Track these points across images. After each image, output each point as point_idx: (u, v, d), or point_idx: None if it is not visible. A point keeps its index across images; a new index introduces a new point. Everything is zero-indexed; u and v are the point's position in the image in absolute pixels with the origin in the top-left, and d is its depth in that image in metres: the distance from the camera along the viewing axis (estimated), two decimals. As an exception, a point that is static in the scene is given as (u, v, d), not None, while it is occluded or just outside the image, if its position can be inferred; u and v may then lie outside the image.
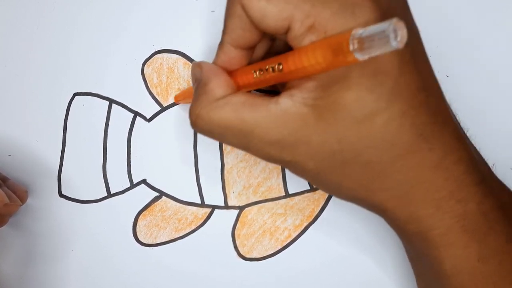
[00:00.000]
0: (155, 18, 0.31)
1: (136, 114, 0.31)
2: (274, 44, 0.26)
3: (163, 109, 0.31)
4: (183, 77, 0.31)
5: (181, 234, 0.31)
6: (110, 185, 0.31)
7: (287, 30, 0.21)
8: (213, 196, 0.31)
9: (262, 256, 0.31)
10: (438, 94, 0.23)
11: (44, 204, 0.31)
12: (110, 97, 0.31)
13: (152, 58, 0.31)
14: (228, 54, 0.24)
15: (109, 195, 0.31)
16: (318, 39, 0.20)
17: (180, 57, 0.31)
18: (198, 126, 0.24)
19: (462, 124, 0.25)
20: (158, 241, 0.31)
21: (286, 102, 0.22)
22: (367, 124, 0.21)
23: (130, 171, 0.31)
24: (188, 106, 0.27)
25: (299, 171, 0.24)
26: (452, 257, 0.23)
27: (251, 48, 0.24)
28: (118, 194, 0.31)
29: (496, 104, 0.30)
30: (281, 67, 0.21)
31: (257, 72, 0.23)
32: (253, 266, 0.31)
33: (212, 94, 0.23)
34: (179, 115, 0.31)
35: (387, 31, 0.16)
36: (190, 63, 0.31)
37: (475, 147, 0.26)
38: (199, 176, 0.31)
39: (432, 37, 0.30)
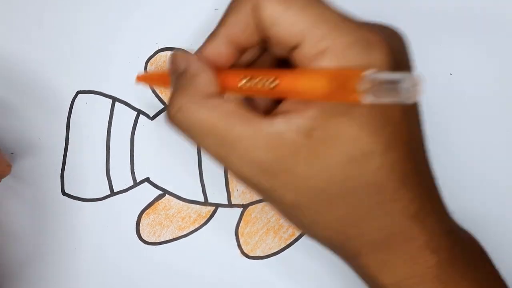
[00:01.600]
0: (158, 16, 0.31)
1: (140, 112, 0.31)
2: (261, 55, 0.24)
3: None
4: (186, 75, 0.31)
5: (184, 233, 0.31)
6: (113, 183, 0.31)
7: (295, 46, 0.20)
8: (217, 194, 0.31)
9: (265, 254, 0.31)
10: (422, 145, 0.23)
11: (47, 202, 0.31)
12: (113, 95, 0.31)
13: (155, 56, 0.31)
14: (217, 47, 0.22)
15: (112, 193, 0.31)
16: (328, 66, 0.19)
17: (184, 55, 0.31)
18: (177, 119, 0.22)
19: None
20: (162, 240, 0.31)
21: (281, 125, 0.20)
22: (361, 165, 0.21)
23: (134, 169, 0.31)
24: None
25: (273, 201, 0.22)
26: None
27: (242, 50, 0.22)
28: (121, 193, 0.31)
29: (496, 104, 0.30)
30: (275, 83, 0.20)
31: (246, 80, 0.21)
32: (257, 264, 0.31)
33: (201, 89, 0.21)
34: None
35: (405, 83, 0.16)
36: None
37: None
38: (202, 174, 0.31)
39: (435, 34, 0.30)
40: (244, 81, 0.21)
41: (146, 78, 0.28)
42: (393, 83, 0.16)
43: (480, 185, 0.30)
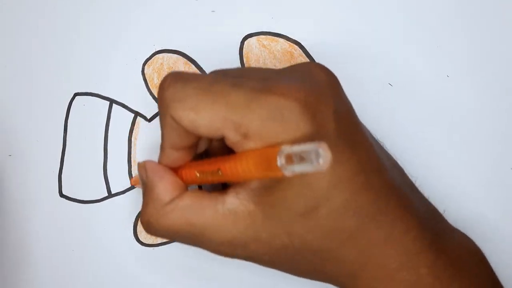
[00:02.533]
0: (156, 18, 0.31)
1: (137, 114, 0.31)
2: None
3: (164, 109, 0.31)
4: (183, 77, 0.31)
5: (181, 234, 0.31)
6: (110, 185, 0.31)
7: (222, 137, 0.22)
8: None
9: (263, 256, 0.31)
10: (380, 168, 0.24)
11: (45, 204, 0.31)
12: (111, 97, 0.31)
13: (152, 58, 0.31)
14: (170, 156, 0.25)
15: (110, 195, 0.31)
16: (255, 146, 0.21)
17: (181, 57, 0.31)
18: (150, 232, 0.25)
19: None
20: (159, 241, 0.31)
21: (232, 202, 0.23)
22: (312, 216, 0.22)
23: (131, 171, 0.31)
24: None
25: (256, 262, 0.25)
26: None
27: (192, 146, 0.25)
28: (119, 194, 0.31)
29: (496, 104, 0.30)
30: (219, 172, 0.22)
31: (199, 174, 0.24)
32: (255, 266, 0.31)
33: (158, 201, 0.24)
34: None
35: (310, 155, 0.17)
36: (190, 63, 0.31)
37: (424, 198, 0.26)
38: (199, 176, 0.31)
39: (432, 36, 0.30)
40: (198, 174, 0.24)
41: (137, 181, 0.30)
42: (305, 155, 0.17)
43: (478, 186, 0.30)
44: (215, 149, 0.27)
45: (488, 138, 0.30)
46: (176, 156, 0.25)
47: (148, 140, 0.31)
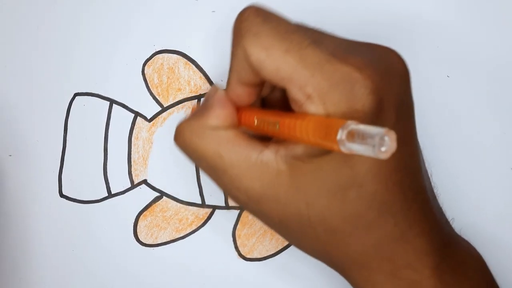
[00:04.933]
0: (156, 18, 0.31)
1: (137, 114, 0.31)
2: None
3: (164, 109, 0.31)
4: (183, 77, 0.31)
5: (181, 235, 0.31)
6: (110, 185, 0.31)
7: (284, 88, 0.21)
8: (214, 196, 0.31)
9: (263, 256, 0.31)
10: (415, 171, 0.24)
11: (45, 204, 0.31)
12: (111, 97, 0.31)
13: (152, 58, 0.31)
14: (235, 91, 0.24)
15: (110, 195, 0.31)
16: (316, 111, 0.20)
17: (181, 57, 0.31)
18: (177, 141, 0.24)
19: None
20: (159, 242, 0.31)
21: (268, 156, 0.22)
22: (339, 196, 0.22)
23: (131, 172, 0.31)
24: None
25: (262, 220, 0.24)
26: None
27: (258, 86, 0.24)
28: (119, 195, 0.31)
29: (496, 104, 0.30)
30: (277, 126, 0.21)
31: (257, 121, 0.23)
32: (254, 266, 0.31)
33: (205, 120, 0.23)
34: (179, 115, 0.31)
35: (374, 140, 0.16)
36: (190, 63, 0.31)
37: (439, 207, 0.26)
38: (199, 176, 0.31)
39: (432, 37, 0.30)
40: (256, 121, 0.23)
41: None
42: (368, 137, 0.17)
43: (478, 188, 0.30)
44: (274, 99, 0.26)
45: (488, 138, 0.30)
46: (240, 92, 0.24)
47: (148, 140, 0.31)
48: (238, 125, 0.24)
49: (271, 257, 0.31)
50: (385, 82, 0.21)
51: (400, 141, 0.22)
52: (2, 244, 0.31)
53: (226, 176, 0.23)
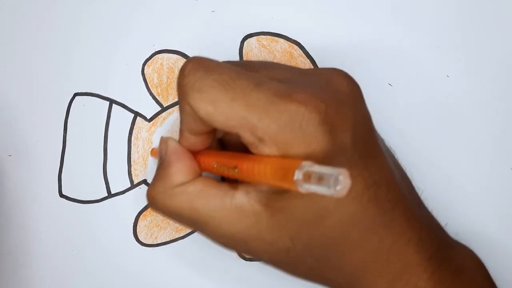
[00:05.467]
0: (155, 18, 0.31)
1: (137, 114, 0.31)
2: None
3: (164, 109, 0.31)
4: (183, 77, 0.31)
5: (181, 234, 0.31)
6: (110, 185, 0.31)
7: (238, 135, 0.22)
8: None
9: (262, 256, 0.31)
10: (389, 182, 0.24)
11: (45, 204, 0.31)
12: (111, 97, 0.31)
13: (152, 58, 0.31)
14: (188, 140, 0.25)
15: (110, 195, 0.31)
16: (270, 153, 0.21)
17: (181, 57, 0.31)
18: (153, 208, 0.25)
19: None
20: (159, 241, 0.31)
21: (241, 199, 0.22)
22: (318, 226, 0.22)
23: (131, 171, 0.31)
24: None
25: (257, 258, 0.25)
26: None
27: (211, 132, 0.24)
28: (119, 194, 0.31)
29: (496, 104, 0.30)
30: (236, 170, 0.22)
31: (216, 165, 0.23)
32: (254, 266, 0.31)
33: (170, 180, 0.24)
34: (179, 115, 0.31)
35: (329, 180, 0.17)
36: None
37: (427, 211, 0.26)
38: (199, 176, 0.31)
39: (432, 37, 0.30)
40: (215, 165, 0.24)
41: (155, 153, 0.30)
42: (324, 177, 0.17)
43: (478, 188, 0.30)
44: (230, 139, 0.26)
45: (488, 138, 0.30)
46: (194, 141, 0.24)
47: (148, 140, 0.31)
48: (199, 171, 0.24)
49: (271, 257, 0.31)
50: (333, 108, 0.21)
51: (363, 158, 0.22)
52: (2, 244, 0.31)
53: (209, 227, 0.23)
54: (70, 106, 0.32)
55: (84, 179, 0.31)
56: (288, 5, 0.31)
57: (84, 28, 0.32)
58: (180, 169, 0.24)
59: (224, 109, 0.21)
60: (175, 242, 0.31)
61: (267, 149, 0.21)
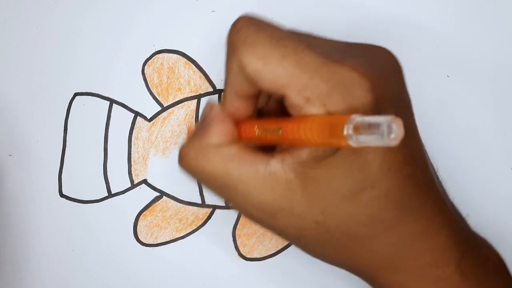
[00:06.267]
0: (156, 18, 0.31)
1: (137, 114, 0.31)
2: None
3: (164, 109, 0.31)
4: (183, 77, 0.31)
5: (181, 234, 0.31)
6: (110, 185, 0.31)
7: (283, 96, 0.21)
8: (214, 196, 0.31)
9: (263, 256, 0.31)
10: (424, 163, 0.24)
11: (45, 204, 0.31)
12: (111, 97, 0.31)
13: (152, 58, 0.31)
14: (232, 105, 0.24)
15: (110, 195, 0.31)
16: (317, 113, 0.20)
17: (181, 57, 0.31)
18: (182, 165, 0.24)
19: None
20: (159, 241, 0.31)
21: (275, 166, 0.22)
22: (353, 200, 0.22)
23: (131, 171, 0.31)
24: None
25: (281, 235, 0.24)
26: None
27: (255, 97, 0.24)
28: (119, 194, 0.31)
29: (496, 104, 0.30)
30: (280, 132, 0.21)
31: (258, 130, 0.23)
32: (254, 266, 0.31)
33: (207, 139, 0.23)
34: (180, 115, 0.31)
35: (382, 128, 0.16)
36: (190, 63, 0.31)
37: (451, 202, 0.26)
38: (199, 176, 0.31)
39: (432, 37, 0.30)
40: (257, 131, 0.23)
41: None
42: (374, 126, 0.17)
43: (478, 188, 0.30)
44: (270, 109, 0.26)
45: (488, 138, 0.30)
46: (237, 105, 0.23)
47: (148, 140, 0.31)
48: (239, 139, 0.24)
49: (271, 257, 0.31)
50: (381, 81, 0.21)
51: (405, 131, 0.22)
52: (2, 244, 0.31)
53: (238, 193, 0.22)
54: (70, 106, 0.32)
55: (84, 179, 0.31)
56: (288, 5, 0.31)
57: (84, 28, 0.32)
58: (219, 131, 0.23)
59: (274, 66, 0.21)
60: (175, 242, 0.31)
61: (314, 110, 0.20)
